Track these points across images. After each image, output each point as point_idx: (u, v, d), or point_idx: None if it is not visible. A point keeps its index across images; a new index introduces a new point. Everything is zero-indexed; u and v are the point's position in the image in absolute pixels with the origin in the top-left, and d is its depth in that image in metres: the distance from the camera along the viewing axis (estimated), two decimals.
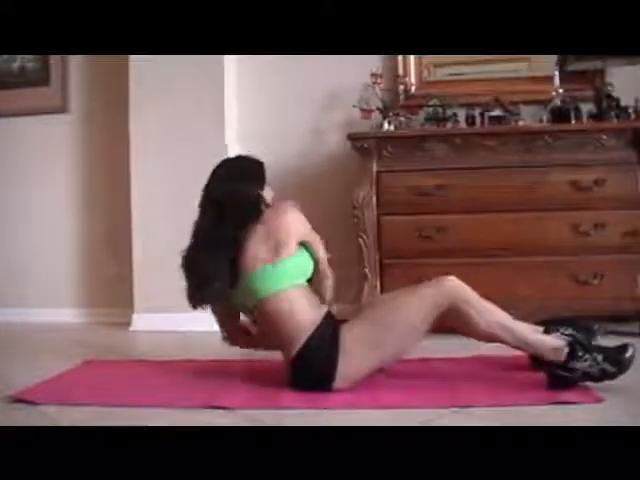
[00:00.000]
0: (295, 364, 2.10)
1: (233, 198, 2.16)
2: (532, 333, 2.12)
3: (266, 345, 2.29)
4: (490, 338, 2.10)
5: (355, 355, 2.05)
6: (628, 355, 1.99)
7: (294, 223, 2.15)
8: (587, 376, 2.00)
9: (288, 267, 2.10)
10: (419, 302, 2.07)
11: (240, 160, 2.34)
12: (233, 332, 2.32)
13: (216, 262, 2.09)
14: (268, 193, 2.26)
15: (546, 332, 2.26)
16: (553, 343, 2.07)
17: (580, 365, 1.99)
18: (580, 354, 1.99)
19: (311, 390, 2.06)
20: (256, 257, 2.09)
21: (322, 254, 2.19)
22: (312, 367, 2.07)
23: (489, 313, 2.06)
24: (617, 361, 1.98)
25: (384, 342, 2.08)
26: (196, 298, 2.16)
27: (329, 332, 2.08)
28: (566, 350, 2.01)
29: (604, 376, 1.99)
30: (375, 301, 2.37)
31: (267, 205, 2.22)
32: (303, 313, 2.10)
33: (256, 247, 2.10)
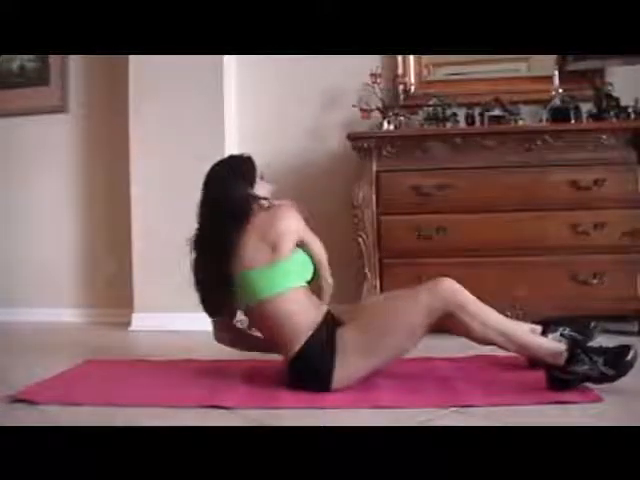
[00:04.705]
0: (293, 365, 2.11)
1: (223, 199, 2.16)
2: (530, 336, 2.11)
3: (251, 346, 2.34)
4: (487, 342, 2.09)
5: (351, 359, 2.05)
6: (629, 358, 1.96)
7: (290, 224, 2.14)
8: (586, 378, 1.99)
9: (286, 269, 2.10)
10: (415, 307, 2.06)
11: (229, 160, 2.34)
12: (223, 330, 2.34)
13: (216, 267, 2.12)
14: (263, 188, 2.25)
15: (545, 332, 2.25)
16: (551, 346, 2.06)
17: (579, 368, 1.98)
18: (580, 357, 1.98)
19: (309, 390, 2.06)
20: (253, 258, 2.10)
21: (321, 254, 2.19)
22: (310, 368, 2.07)
23: (485, 318, 2.05)
24: (617, 364, 1.96)
25: (380, 347, 2.07)
26: (206, 309, 2.23)
27: (327, 334, 2.08)
28: (565, 354, 2.00)
29: (604, 379, 1.97)
30: (372, 302, 2.36)
31: (263, 201, 2.21)
32: (302, 315, 2.10)
33: (253, 248, 2.10)
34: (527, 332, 2.13)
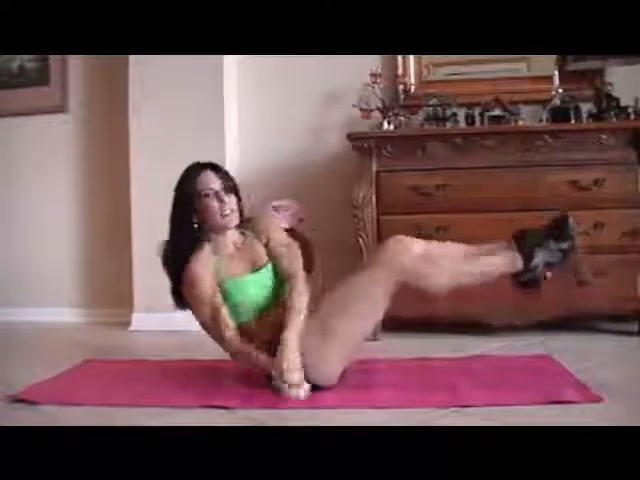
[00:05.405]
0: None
1: (169, 255, 2.34)
2: (482, 264, 2.09)
3: None
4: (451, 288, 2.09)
5: (313, 349, 2.04)
6: (570, 222, 2.02)
7: (191, 297, 2.22)
8: (550, 264, 2.02)
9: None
10: (366, 284, 2.06)
11: (175, 193, 2.42)
12: None
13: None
14: (215, 209, 2.29)
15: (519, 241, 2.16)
16: (504, 258, 2.07)
17: (538, 260, 2.00)
18: (533, 252, 2.01)
19: None
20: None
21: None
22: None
23: (439, 276, 2.05)
24: (566, 235, 2.01)
25: (337, 328, 2.05)
26: None
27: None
28: (518, 256, 2.03)
29: (565, 255, 2.01)
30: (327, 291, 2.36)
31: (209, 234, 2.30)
32: (257, 337, 2.15)
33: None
34: (479, 262, 2.10)
